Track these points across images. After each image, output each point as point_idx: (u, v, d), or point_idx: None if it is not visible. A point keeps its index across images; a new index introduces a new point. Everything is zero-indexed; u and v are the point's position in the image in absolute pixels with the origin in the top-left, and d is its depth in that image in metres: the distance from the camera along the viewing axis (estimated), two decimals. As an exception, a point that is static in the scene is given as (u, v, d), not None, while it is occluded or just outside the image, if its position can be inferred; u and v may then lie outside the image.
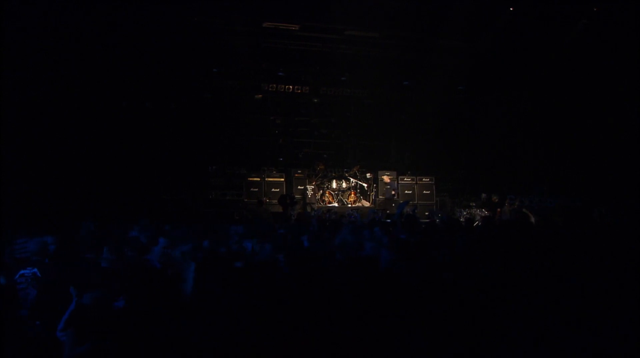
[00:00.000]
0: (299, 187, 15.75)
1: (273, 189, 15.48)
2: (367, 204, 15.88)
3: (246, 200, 15.06)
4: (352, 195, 16.03)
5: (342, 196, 16.05)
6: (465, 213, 14.11)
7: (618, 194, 10.43)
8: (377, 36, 13.32)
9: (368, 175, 16.29)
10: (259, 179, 15.53)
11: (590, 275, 4.84)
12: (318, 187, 16.01)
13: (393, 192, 15.27)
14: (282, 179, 15.68)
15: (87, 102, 13.23)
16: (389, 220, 9.62)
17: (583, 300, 4.68)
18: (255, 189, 15.37)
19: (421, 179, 16.28)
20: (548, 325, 4.44)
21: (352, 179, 16.10)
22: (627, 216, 6.40)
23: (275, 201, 14.79)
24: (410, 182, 16.27)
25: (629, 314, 4.44)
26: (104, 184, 13.12)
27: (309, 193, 15.54)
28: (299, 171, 16.03)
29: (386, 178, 15.75)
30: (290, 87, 15.82)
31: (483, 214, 13.06)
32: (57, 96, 12.20)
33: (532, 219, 7.38)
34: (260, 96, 16.05)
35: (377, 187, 16.03)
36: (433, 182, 16.26)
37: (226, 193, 15.56)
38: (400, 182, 16.20)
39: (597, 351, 4.20)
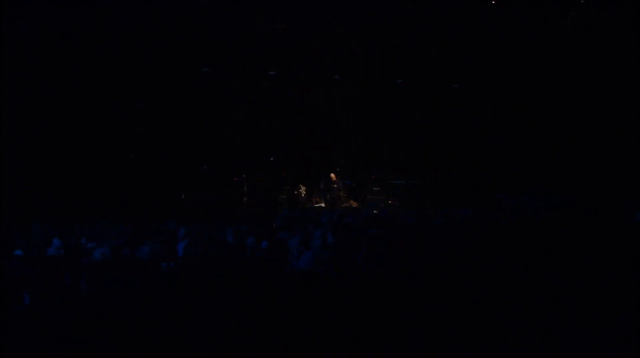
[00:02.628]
0: (286, 187, 15.85)
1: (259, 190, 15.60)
2: (355, 204, 15.96)
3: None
4: (342, 195, 16.11)
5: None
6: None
7: (616, 194, 10.64)
8: (369, 34, 13.45)
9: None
10: (244, 178, 15.62)
11: (590, 275, 4.99)
12: (308, 187, 16.08)
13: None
14: (269, 179, 15.81)
15: (76, 101, 13.35)
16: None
17: (583, 300, 4.82)
18: (239, 189, 15.49)
19: (411, 180, 16.37)
20: (548, 325, 4.57)
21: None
22: (627, 216, 6.60)
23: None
24: (401, 182, 16.37)
25: (629, 314, 4.57)
26: (86, 183, 13.24)
27: (302, 192, 15.60)
28: (286, 171, 16.14)
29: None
30: (281, 86, 15.91)
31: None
32: (46, 95, 12.33)
33: None
34: (252, 95, 16.10)
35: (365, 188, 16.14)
36: (425, 182, 16.39)
37: (209, 193, 15.59)
38: (390, 182, 16.31)
39: (597, 351, 4.32)
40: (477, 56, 14.22)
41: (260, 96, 16.13)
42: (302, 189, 15.82)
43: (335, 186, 15.45)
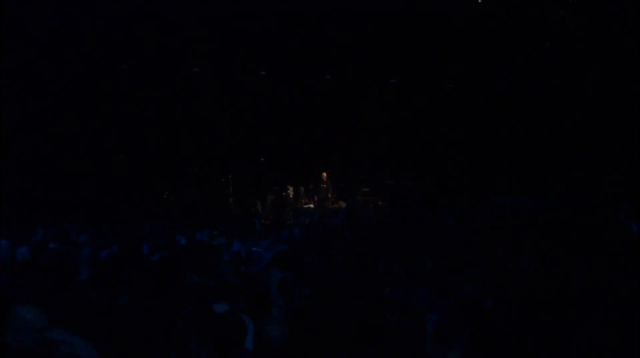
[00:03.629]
0: (275, 188, 15.82)
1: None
2: (344, 205, 15.93)
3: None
4: (330, 196, 16.07)
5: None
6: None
7: (614, 194, 10.68)
8: (363, 34, 13.47)
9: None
10: (230, 178, 15.60)
11: (591, 275, 5.01)
12: (297, 188, 16.05)
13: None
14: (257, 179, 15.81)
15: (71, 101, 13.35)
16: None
17: (583, 300, 4.83)
18: (227, 190, 15.48)
19: (404, 182, 16.36)
20: (548, 325, 4.57)
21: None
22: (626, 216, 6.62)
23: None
24: (393, 183, 16.36)
25: (629, 314, 4.59)
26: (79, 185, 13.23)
27: (290, 193, 15.55)
28: (275, 171, 16.11)
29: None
30: (274, 87, 15.86)
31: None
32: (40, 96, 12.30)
33: None
34: (243, 94, 16.05)
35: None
36: (418, 183, 16.38)
37: (192, 193, 15.53)
38: (383, 182, 16.31)
39: (597, 351, 4.32)
40: (476, 56, 14.28)
41: (253, 96, 16.08)
42: (290, 190, 15.77)
43: (325, 186, 15.40)
